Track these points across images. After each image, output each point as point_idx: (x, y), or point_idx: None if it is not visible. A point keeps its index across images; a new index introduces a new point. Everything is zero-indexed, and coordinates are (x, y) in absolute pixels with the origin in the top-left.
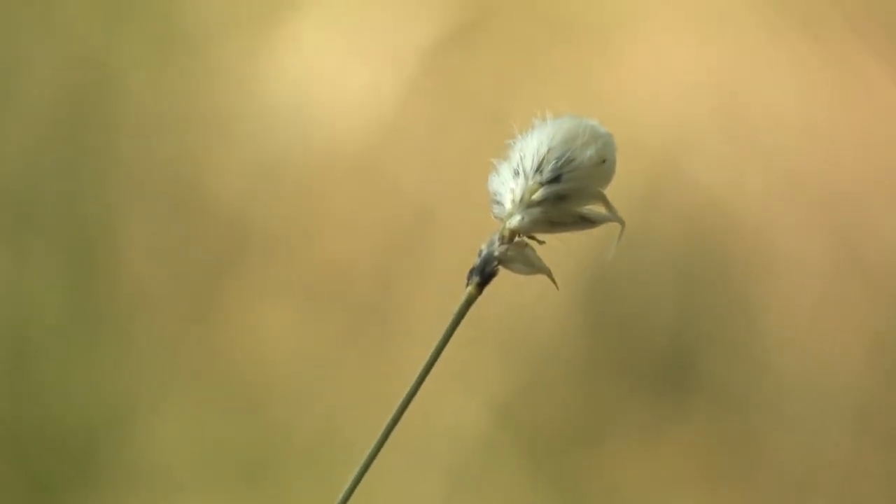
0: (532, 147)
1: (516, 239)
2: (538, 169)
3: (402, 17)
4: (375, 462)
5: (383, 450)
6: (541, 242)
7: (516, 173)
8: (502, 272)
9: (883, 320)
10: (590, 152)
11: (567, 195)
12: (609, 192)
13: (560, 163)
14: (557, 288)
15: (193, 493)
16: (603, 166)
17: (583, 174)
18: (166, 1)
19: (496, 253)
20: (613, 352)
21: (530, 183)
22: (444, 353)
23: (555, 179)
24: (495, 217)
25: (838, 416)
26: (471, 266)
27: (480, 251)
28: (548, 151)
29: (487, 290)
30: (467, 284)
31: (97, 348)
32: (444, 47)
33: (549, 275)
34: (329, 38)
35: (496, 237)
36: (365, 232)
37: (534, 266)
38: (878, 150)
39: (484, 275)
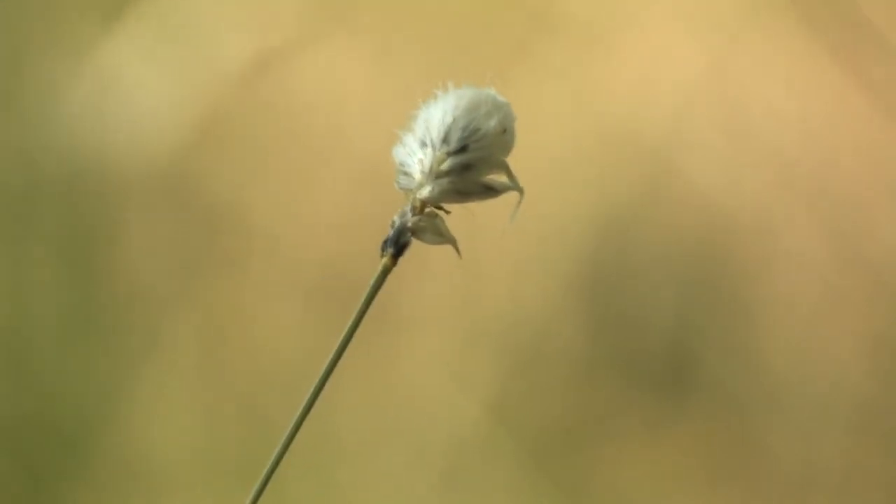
0: (437, 117)
1: (427, 210)
2: (445, 139)
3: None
4: (373, 461)
5: (381, 448)
6: (447, 213)
7: (423, 144)
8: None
9: (883, 320)
10: (493, 122)
11: (473, 165)
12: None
13: (466, 133)
14: (460, 257)
15: (191, 491)
16: (504, 136)
17: (487, 144)
18: None
19: (409, 224)
20: (612, 351)
21: (438, 153)
22: (441, 353)
23: (462, 150)
24: (401, 188)
25: (838, 416)
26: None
27: (393, 222)
28: (453, 121)
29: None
30: (382, 256)
31: (96, 347)
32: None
33: (455, 245)
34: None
35: (408, 208)
36: (365, 231)
37: (444, 236)
38: (878, 149)
39: (398, 246)
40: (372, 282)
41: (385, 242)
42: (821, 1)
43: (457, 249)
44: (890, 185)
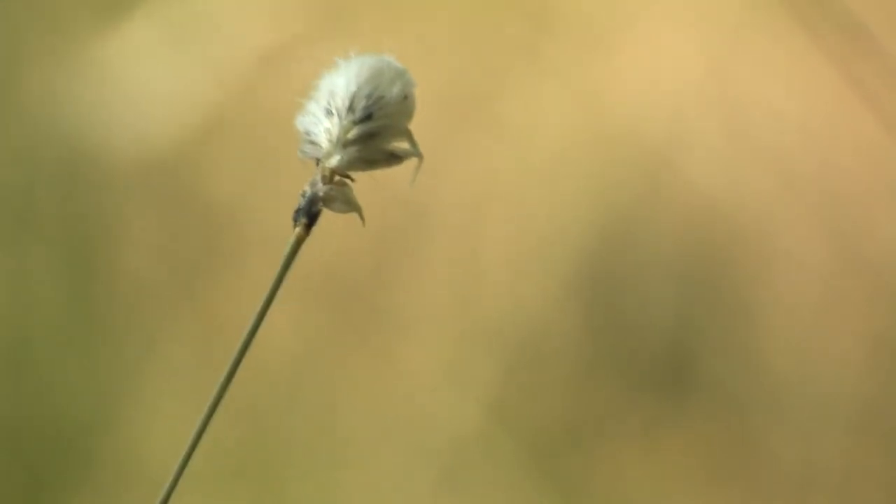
0: (341, 85)
1: (336, 179)
2: (350, 107)
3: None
4: (373, 461)
5: (381, 448)
6: (353, 181)
7: (329, 112)
8: None
9: (883, 320)
10: (396, 89)
11: (378, 133)
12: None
13: (371, 101)
14: (364, 225)
15: (191, 492)
16: (406, 102)
17: (391, 111)
18: None
19: (321, 193)
20: (612, 351)
21: (344, 122)
22: (441, 352)
23: (367, 118)
24: (307, 157)
25: (838, 416)
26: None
27: (304, 192)
28: (357, 89)
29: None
30: (295, 226)
31: (96, 347)
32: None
33: (361, 213)
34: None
35: (318, 177)
36: (363, 231)
37: (352, 204)
38: (878, 149)
39: (310, 215)
40: (286, 253)
41: (297, 212)
42: (820, 1)
43: (362, 218)
44: (890, 185)
